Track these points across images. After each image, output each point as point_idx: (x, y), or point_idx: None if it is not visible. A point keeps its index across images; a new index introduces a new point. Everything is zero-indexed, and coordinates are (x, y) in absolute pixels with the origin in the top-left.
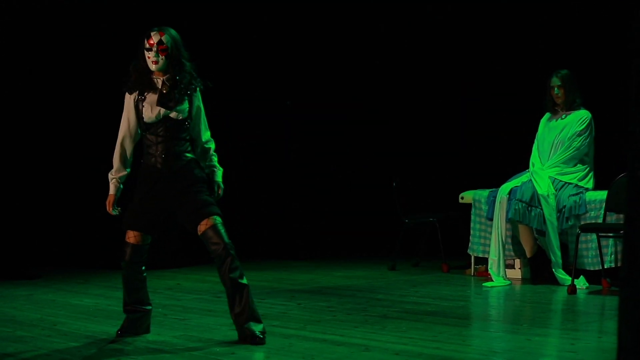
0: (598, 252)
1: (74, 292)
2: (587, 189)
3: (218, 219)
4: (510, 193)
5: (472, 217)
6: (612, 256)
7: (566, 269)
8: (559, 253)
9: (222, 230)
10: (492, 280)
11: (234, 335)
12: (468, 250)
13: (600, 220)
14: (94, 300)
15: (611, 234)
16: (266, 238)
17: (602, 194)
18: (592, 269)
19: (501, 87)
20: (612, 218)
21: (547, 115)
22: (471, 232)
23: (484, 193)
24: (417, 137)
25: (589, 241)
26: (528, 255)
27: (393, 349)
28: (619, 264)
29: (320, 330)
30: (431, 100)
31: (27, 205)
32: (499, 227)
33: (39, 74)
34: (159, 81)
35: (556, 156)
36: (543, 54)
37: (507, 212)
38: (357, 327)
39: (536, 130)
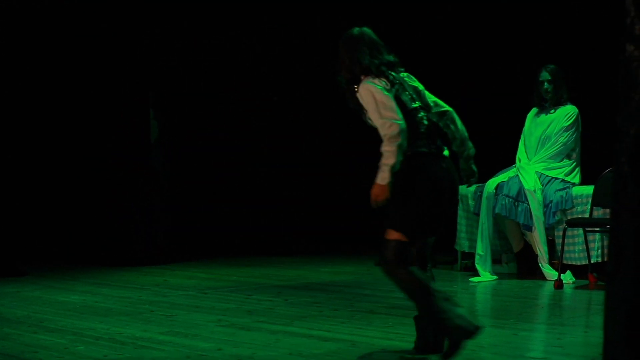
0: (585, 247)
1: (61, 289)
2: (573, 184)
3: None
4: (497, 188)
5: (459, 212)
6: (599, 251)
7: (553, 263)
8: (545, 248)
9: None
10: (478, 276)
11: (220, 331)
12: (455, 246)
13: (586, 215)
14: (81, 297)
15: (598, 229)
16: (253, 234)
17: (589, 189)
18: (578, 263)
19: (486, 85)
20: (599, 213)
21: (533, 110)
22: (458, 227)
23: (471, 188)
24: None
25: (576, 236)
26: (515, 250)
27: (380, 344)
28: (605, 259)
29: (307, 326)
30: None
31: (14, 203)
32: (485, 222)
33: (36, 73)
34: None
35: (543, 151)
36: (526, 52)
37: (494, 207)
38: (344, 323)
39: (522, 125)
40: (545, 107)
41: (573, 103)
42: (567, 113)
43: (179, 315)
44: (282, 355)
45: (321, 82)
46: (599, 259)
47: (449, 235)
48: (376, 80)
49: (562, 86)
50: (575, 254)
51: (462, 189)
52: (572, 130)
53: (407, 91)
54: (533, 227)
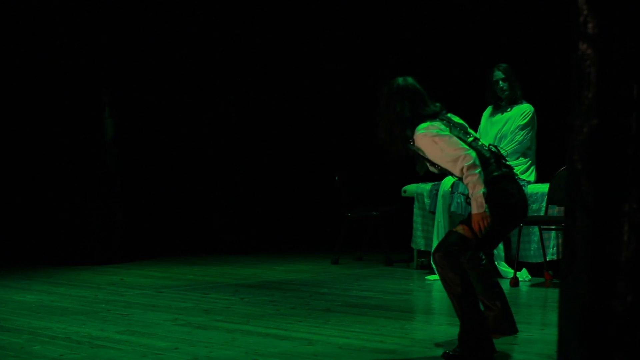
0: (540, 245)
1: (16, 289)
2: (529, 182)
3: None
4: (452, 186)
5: (415, 210)
6: (554, 249)
7: (509, 261)
8: (501, 246)
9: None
10: (434, 274)
11: (176, 330)
12: (411, 244)
13: (542, 213)
14: (37, 297)
15: (553, 227)
16: (209, 233)
17: (544, 187)
18: (534, 261)
19: (439, 86)
20: (554, 211)
21: (489, 108)
22: (414, 225)
23: (427, 186)
24: (360, 130)
25: (531, 234)
26: None
27: (336, 342)
28: (560, 256)
29: (263, 325)
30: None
31: None
32: (441, 220)
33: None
34: None
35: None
36: (477, 49)
37: (450, 205)
38: (301, 322)
39: (478, 124)
40: (501, 105)
41: (528, 101)
42: (522, 111)
43: (136, 314)
44: (239, 354)
45: (282, 77)
46: (555, 257)
47: (405, 234)
48: (428, 126)
49: (516, 84)
50: (530, 251)
51: (419, 187)
52: (528, 128)
53: (457, 128)
54: None
